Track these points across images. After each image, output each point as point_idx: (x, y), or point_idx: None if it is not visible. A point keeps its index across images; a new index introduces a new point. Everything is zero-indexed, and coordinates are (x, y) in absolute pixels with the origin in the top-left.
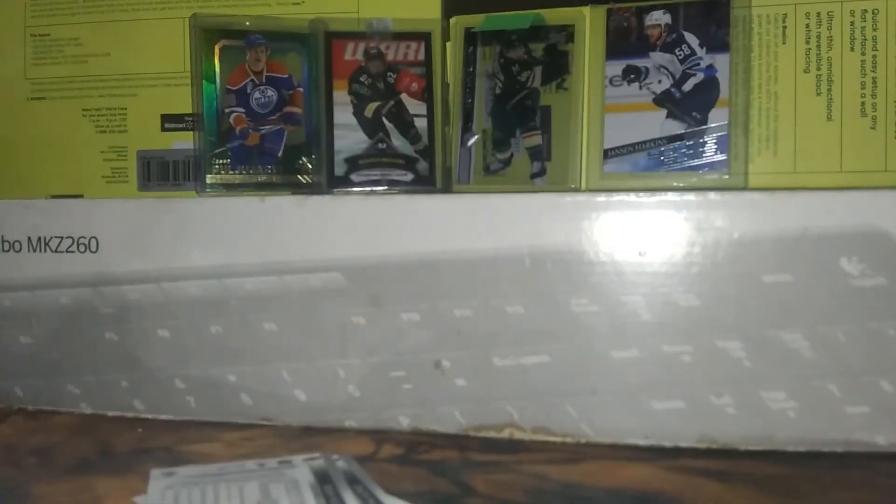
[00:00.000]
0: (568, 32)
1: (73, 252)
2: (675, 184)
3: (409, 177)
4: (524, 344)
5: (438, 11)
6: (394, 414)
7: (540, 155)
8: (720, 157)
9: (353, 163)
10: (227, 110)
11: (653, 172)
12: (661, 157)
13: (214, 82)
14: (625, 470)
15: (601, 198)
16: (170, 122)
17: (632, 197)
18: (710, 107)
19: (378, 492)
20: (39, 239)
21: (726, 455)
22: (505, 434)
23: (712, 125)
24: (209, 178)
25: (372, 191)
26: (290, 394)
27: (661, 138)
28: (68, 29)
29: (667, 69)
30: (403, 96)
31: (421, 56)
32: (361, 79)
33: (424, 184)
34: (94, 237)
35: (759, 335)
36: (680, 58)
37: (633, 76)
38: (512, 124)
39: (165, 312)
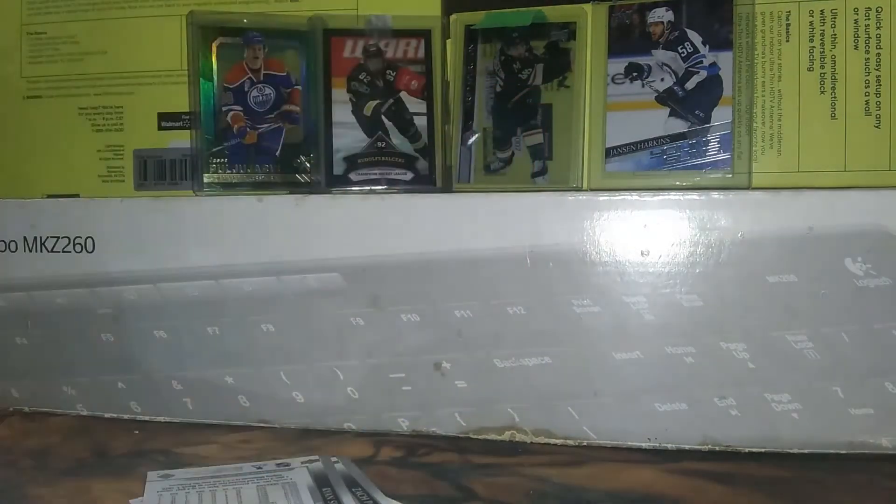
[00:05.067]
0: (569, 30)
1: (69, 252)
2: (677, 183)
3: (408, 176)
4: (525, 345)
5: (438, 8)
6: (393, 416)
7: (541, 153)
8: (723, 155)
9: (352, 161)
10: (224, 108)
11: (655, 171)
12: (664, 156)
13: (212, 80)
14: (627, 472)
15: (603, 197)
16: (166, 120)
17: (634, 196)
18: (713, 105)
19: (377, 494)
20: (35, 239)
21: (729, 457)
22: (506, 436)
23: (715, 123)
24: (206, 178)
25: (371, 190)
26: (289, 396)
27: (663, 137)
28: (64, 27)
29: (669, 67)
30: (403, 94)
31: (421, 54)
32: (360, 77)
33: (424, 183)
34: (91, 237)
35: (764, 336)
36: (683, 55)
37: (635, 74)
38: (513, 123)
39: (162, 313)
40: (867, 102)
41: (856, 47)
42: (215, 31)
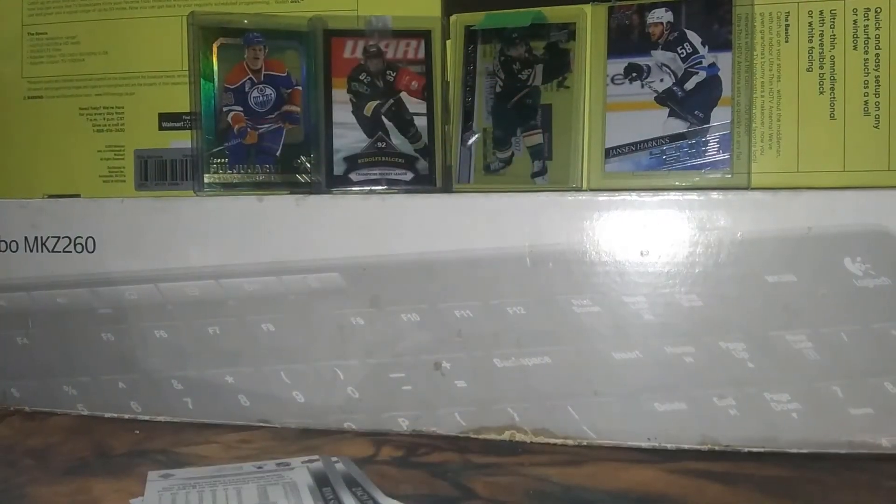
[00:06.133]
0: (569, 30)
1: (69, 252)
2: (677, 183)
3: (408, 176)
4: (525, 345)
5: (438, 9)
6: (393, 416)
7: (541, 154)
8: (723, 156)
9: (353, 162)
10: (225, 109)
11: (655, 172)
12: (664, 157)
13: (212, 81)
14: (627, 472)
15: (603, 197)
16: (167, 120)
17: (634, 196)
18: (712, 105)
19: (377, 494)
20: (36, 239)
21: (729, 457)
22: (506, 436)
23: (715, 124)
24: (207, 178)
25: (371, 190)
26: (289, 395)
27: (663, 137)
28: (65, 27)
29: (669, 67)
30: (403, 95)
31: (421, 54)
32: (361, 77)
33: (424, 183)
34: (91, 237)
35: (763, 336)
36: (682, 56)
37: (634, 74)
38: (513, 123)
39: (163, 313)
40: (866, 103)
41: (855, 48)
42: (216, 32)
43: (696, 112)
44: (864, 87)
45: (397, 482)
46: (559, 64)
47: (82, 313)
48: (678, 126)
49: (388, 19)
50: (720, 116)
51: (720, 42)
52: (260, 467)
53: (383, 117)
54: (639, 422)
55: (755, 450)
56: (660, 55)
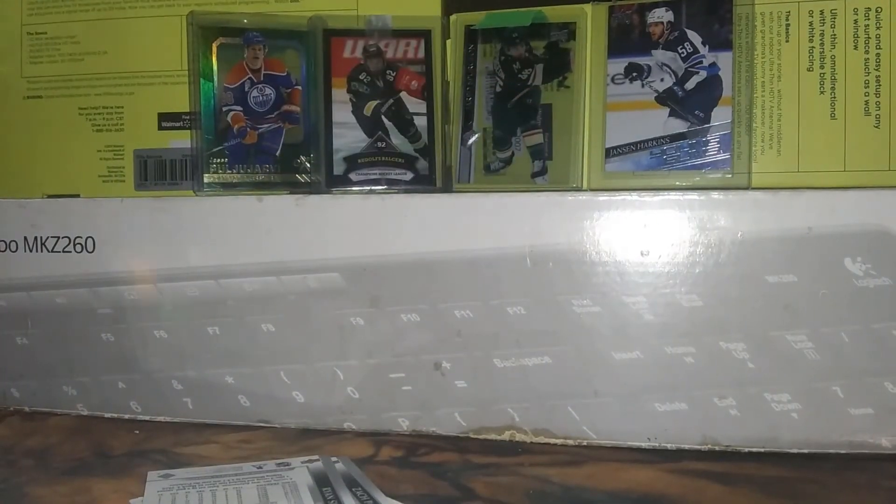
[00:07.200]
0: (569, 30)
1: (69, 252)
2: (677, 183)
3: (408, 176)
4: (525, 345)
5: (439, 9)
6: (393, 416)
7: (541, 154)
8: (723, 155)
9: (352, 162)
10: (224, 109)
11: (655, 171)
12: (664, 156)
13: (212, 80)
14: (627, 472)
15: (603, 197)
16: (167, 120)
17: (634, 196)
18: (712, 105)
19: (377, 494)
20: (35, 239)
21: (729, 457)
22: (505, 436)
23: (715, 124)
24: (207, 178)
25: (371, 190)
26: (289, 395)
27: (663, 137)
28: (65, 27)
29: (669, 67)
30: (403, 94)
31: (421, 54)
32: (360, 77)
33: (424, 183)
34: (91, 237)
35: (763, 336)
36: (682, 56)
37: (635, 74)
38: (513, 123)
39: (162, 313)
40: (867, 102)
41: (855, 47)
42: (216, 32)
43: (696, 112)
44: (865, 87)
45: (397, 482)
46: (559, 63)
47: (82, 313)
48: (678, 126)
49: (388, 19)
50: (721, 116)
51: (721, 41)
52: (260, 467)
53: (383, 117)
54: (639, 422)
55: (755, 450)
56: (660, 55)
